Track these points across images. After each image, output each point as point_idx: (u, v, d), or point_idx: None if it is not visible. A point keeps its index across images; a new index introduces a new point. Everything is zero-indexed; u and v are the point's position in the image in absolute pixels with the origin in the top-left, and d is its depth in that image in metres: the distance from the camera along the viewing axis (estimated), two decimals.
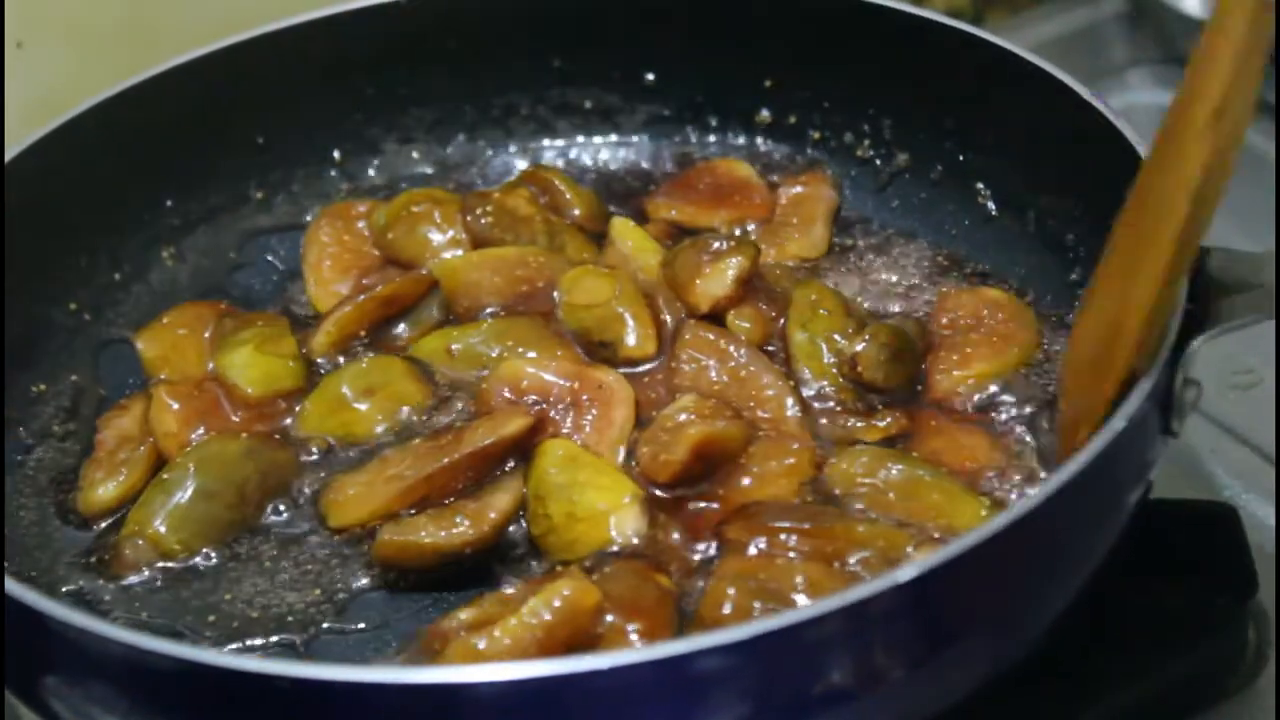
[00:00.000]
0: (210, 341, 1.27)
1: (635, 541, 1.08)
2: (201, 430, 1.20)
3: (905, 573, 0.88)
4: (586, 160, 1.46)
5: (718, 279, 1.21)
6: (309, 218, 1.40)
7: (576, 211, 1.35)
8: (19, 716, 1.08)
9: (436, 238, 1.32)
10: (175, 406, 1.21)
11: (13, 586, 0.94)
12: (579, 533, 1.09)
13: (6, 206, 1.23)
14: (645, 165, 1.45)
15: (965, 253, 1.32)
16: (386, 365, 1.23)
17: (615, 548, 1.08)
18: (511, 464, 1.15)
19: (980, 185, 1.32)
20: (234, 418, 1.22)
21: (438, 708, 0.88)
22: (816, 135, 1.41)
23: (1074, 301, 1.23)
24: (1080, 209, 1.24)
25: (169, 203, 1.38)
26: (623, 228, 1.30)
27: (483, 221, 1.31)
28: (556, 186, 1.36)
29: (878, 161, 1.39)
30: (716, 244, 1.22)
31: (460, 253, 1.31)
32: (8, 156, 1.24)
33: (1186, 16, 1.69)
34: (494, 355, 1.22)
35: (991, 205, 1.32)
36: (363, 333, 1.27)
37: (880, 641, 0.91)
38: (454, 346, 1.24)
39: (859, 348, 1.16)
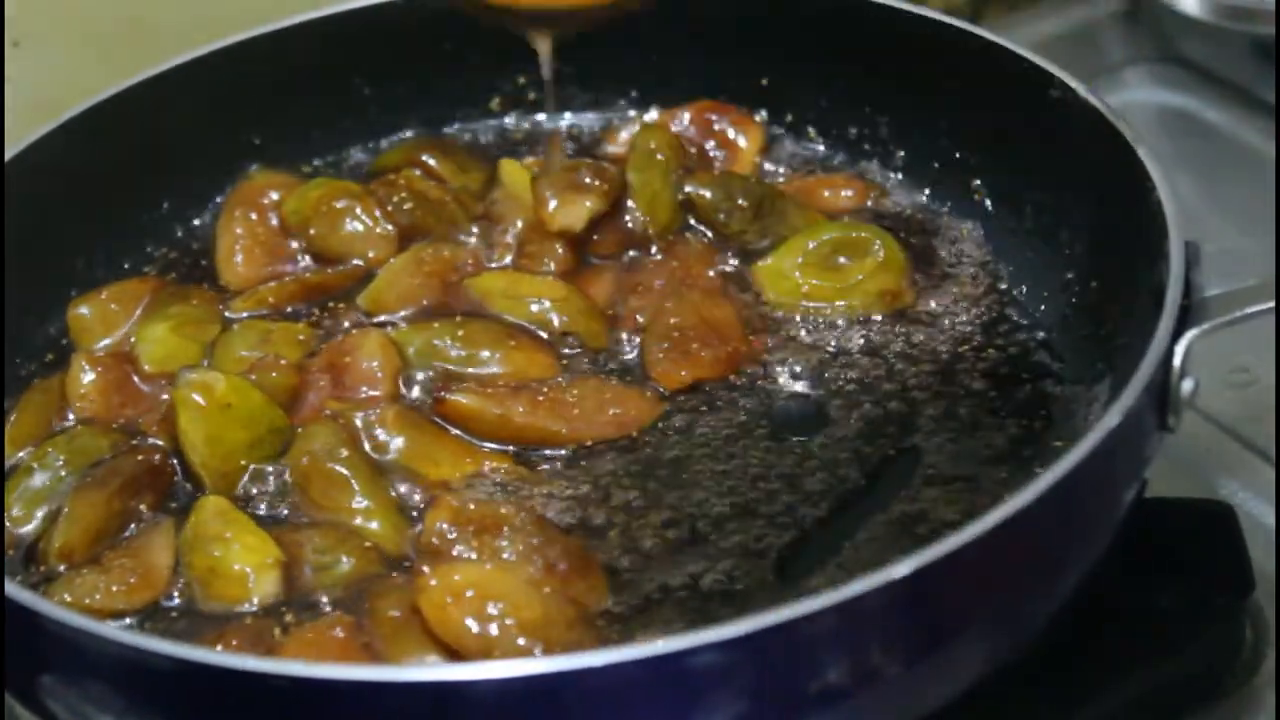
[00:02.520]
0: (142, 314, 1.27)
1: (270, 604, 1.07)
2: (118, 400, 1.21)
3: (900, 569, 0.88)
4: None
5: (572, 212, 1.26)
6: None
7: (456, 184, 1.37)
8: (18, 717, 1.08)
9: (362, 230, 1.31)
10: (89, 376, 1.21)
11: (12, 587, 0.94)
12: (218, 588, 1.07)
13: (5, 207, 1.23)
14: None
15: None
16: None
17: (250, 607, 1.06)
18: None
19: (977, 182, 1.33)
20: (145, 389, 1.22)
21: (435, 706, 0.88)
22: (813, 134, 1.42)
23: (1071, 299, 1.23)
24: (1077, 206, 1.24)
25: (166, 204, 1.38)
26: (510, 169, 1.33)
27: (405, 208, 1.32)
28: (430, 165, 1.38)
29: (874, 159, 1.39)
30: (583, 176, 1.27)
31: (390, 240, 1.31)
32: (6, 156, 1.25)
33: (1184, 15, 1.69)
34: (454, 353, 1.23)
35: (988, 202, 1.32)
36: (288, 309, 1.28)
37: (875, 638, 0.91)
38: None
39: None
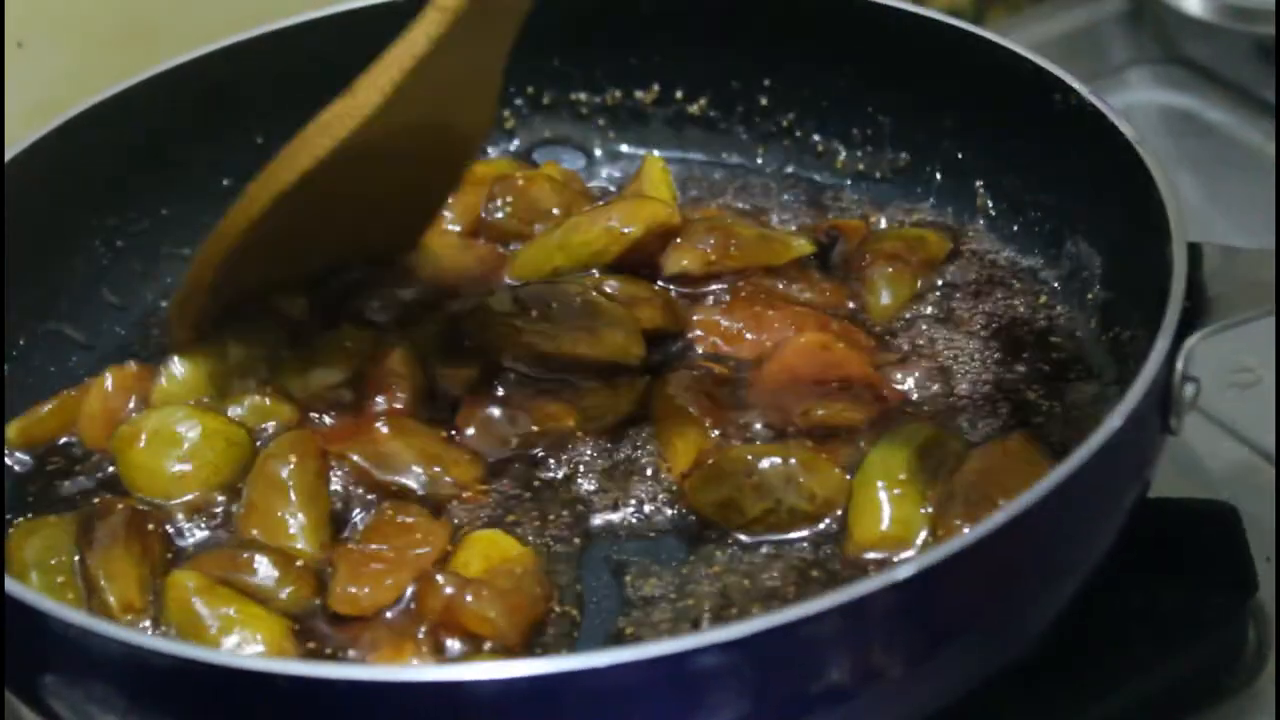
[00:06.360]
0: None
1: None
2: (132, 404, 1.20)
3: (903, 571, 0.88)
4: (583, 162, 1.46)
5: (687, 258, 1.24)
6: None
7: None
8: (19, 716, 1.08)
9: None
10: (110, 387, 1.20)
11: (13, 586, 0.94)
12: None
13: (5, 207, 1.23)
14: None
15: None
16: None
17: None
18: None
19: (979, 184, 1.33)
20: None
21: (437, 706, 0.88)
22: (815, 135, 1.41)
23: (1073, 301, 1.23)
24: (1079, 209, 1.24)
25: (164, 210, 1.37)
26: (653, 165, 1.31)
27: (498, 215, 1.31)
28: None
29: (877, 160, 1.39)
30: (709, 239, 1.24)
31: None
32: (7, 156, 1.24)
33: (1187, 16, 1.69)
34: None
35: (990, 204, 1.32)
36: None
37: (878, 639, 0.91)
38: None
39: None
